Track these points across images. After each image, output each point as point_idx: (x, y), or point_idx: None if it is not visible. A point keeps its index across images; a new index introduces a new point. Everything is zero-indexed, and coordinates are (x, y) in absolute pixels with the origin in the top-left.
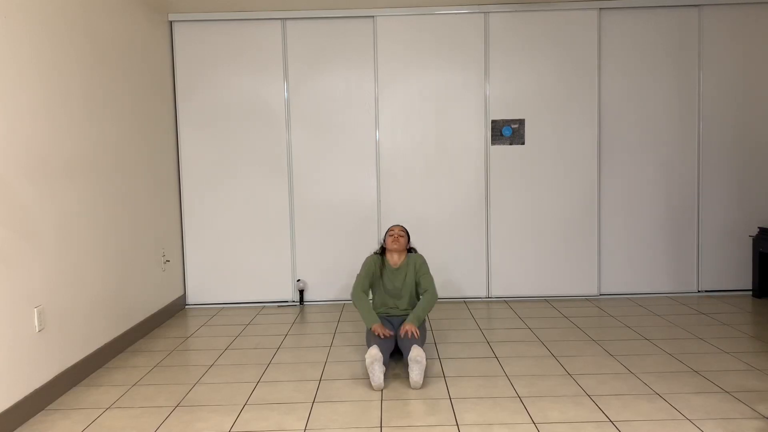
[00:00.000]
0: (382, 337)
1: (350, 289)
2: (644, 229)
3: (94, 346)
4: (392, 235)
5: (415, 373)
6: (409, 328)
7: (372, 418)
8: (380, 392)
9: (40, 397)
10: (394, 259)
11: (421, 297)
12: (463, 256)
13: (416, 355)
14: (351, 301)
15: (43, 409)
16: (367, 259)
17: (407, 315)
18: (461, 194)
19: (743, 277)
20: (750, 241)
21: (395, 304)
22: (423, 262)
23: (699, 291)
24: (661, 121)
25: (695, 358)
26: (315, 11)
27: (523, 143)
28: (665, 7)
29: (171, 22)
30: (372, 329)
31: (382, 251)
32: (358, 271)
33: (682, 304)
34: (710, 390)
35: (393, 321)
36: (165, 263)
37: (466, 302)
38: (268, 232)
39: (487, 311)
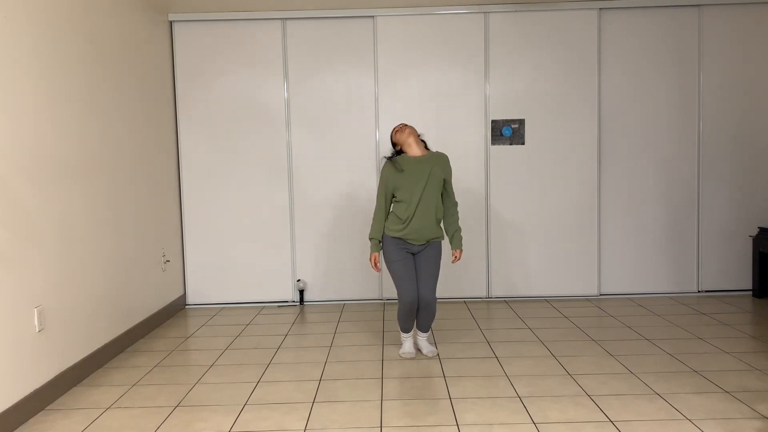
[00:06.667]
0: (377, 270)
1: (351, 289)
2: (644, 229)
3: (94, 346)
4: (398, 130)
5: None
6: (458, 254)
7: (372, 418)
8: (380, 392)
9: (40, 397)
10: (414, 150)
11: (444, 206)
12: (463, 256)
13: (428, 351)
14: (352, 301)
15: (43, 409)
16: (382, 171)
17: (428, 239)
18: (461, 194)
19: (743, 277)
20: (750, 241)
21: (415, 202)
22: (448, 161)
23: (699, 291)
24: (662, 121)
25: (695, 358)
26: (315, 11)
27: (523, 143)
28: (665, 7)
29: (171, 22)
30: (370, 257)
31: (396, 153)
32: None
33: (682, 304)
34: (710, 390)
35: (412, 250)
36: (165, 263)
37: (466, 302)
38: (268, 231)
39: (487, 311)
